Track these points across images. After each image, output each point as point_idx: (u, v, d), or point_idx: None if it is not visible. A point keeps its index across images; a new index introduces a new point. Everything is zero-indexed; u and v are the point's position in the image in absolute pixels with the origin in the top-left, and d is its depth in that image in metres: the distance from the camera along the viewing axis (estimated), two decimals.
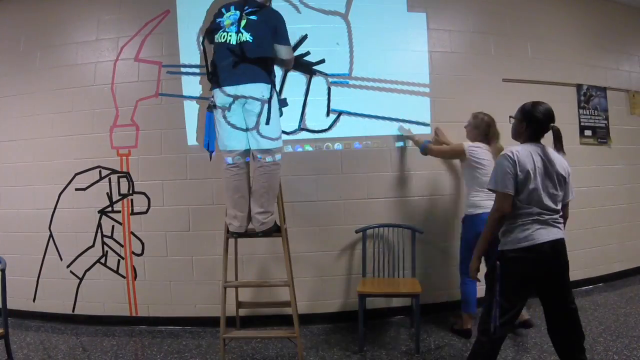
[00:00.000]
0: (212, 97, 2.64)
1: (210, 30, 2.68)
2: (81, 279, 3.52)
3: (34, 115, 3.58)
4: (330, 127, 3.41)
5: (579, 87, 4.01)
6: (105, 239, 3.49)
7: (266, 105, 2.57)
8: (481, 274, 2.15)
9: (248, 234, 2.74)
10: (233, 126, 2.62)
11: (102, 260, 3.50)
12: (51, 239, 3.56)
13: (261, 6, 2.62)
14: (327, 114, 3.41)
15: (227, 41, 2.55)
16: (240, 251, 3.17)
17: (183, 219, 3.40)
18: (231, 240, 2.88)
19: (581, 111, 4.02)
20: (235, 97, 2.55)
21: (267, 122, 2.58)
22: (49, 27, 3.59)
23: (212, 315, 3.22)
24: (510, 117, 2.24)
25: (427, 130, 3.49)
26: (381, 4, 3.46)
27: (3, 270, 2.40)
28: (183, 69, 3.40)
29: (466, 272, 2.69)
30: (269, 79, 2.58)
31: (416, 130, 3.46)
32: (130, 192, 3.45)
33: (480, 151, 2.98)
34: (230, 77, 2.56)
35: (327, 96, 3.41)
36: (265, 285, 3.19)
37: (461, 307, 3.07)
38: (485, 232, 2.05)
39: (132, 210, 3.45)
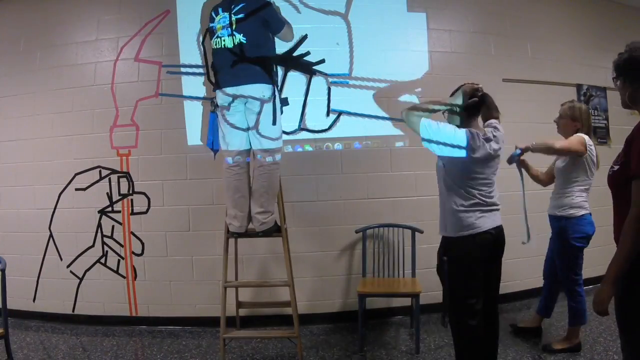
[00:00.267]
0: (215, 98, 2.66)
1: (210, 34, 2.69)
2: (81, 279, 3.52)
3: (34, 115, 3.58)
4: (330, 127, 3.41)
5: (579, 87, 4.01)
6: (105, 239, 3.49)
7: (266, 105, 2.58)
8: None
9: (248, 234, 2.74)
10: (233, 126, 2.62)
11: (102, 260, 3.50)
12: (51, 239, 3.56)
13: (253, 4, 2.57)
14: (327, 114, 3.41)
15: (223, 46, 2.56)
16: (240, 251, 3.17)
17: (183, 219, 3.40)
18: (231, 240, 2.88)
19: None
20: (235, 97, 2.56)
21: (274, 123, 2.59)
22: (49, 27, 3.59)
23: (212, 315, 3.22)
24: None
25: None
26: (381, 4, 3.46)
27: (3, 270, 2.41)
28: (183, 69, 3.40)
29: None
30: (270, 79, 2.59)
31: None
32: (130, 192, 3.45)
33: (593, 147, 2.71)
34: (230, 79, 2.56)
35: (327, 96, 3.41)
36: (265, 285, 3.19)
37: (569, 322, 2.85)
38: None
39: (132, 210, 3.45)
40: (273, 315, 3.29)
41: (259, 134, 2.60)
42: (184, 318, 3.42)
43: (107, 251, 3.49)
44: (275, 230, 2.74)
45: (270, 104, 2.60)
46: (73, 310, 3.53)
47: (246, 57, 2.54)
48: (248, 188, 2.70)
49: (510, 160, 2.49)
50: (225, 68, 2.58)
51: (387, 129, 3.45)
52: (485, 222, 1.99)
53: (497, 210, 2.08)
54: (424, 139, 1.97)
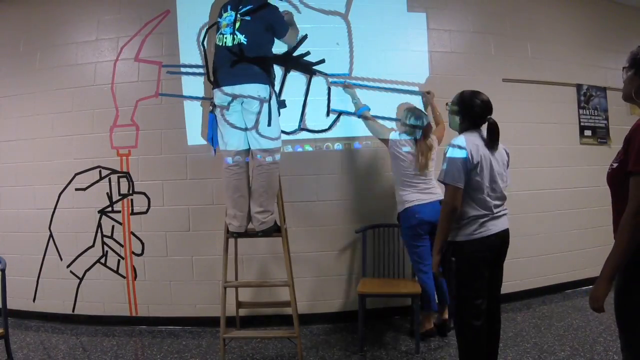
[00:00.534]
0: (213, 97, 2.66)
1: (216, 29, 2.71)
2: (81, 279, 3.52)
3: (34, 115, 3.58)
4: (330, 127, 3.41)
5: (579, 87, 4.01)
6: (105, 239, 3.49)
7: (266, 106, 2.58)
8: None
9: (248, 233, 2.74)
10: (232, 125, 2.62)
11: (102, 260, 3.50)
12: (51, 239, 3.56)
13: (256, 4, 2.61)
14: (327, 114, 3.41)
15: (224, 44, 2.57)
16: (240, 251, 3.16)
17: (183, 219, 3.40)
18: (231, 240, 2.88)
19: (581, 111, 4.02)
20: (234, 97, 2.56)
21: (269, 124, 2.59)
22: (49, 28, 3.59)
23: (212, 315, 3.22)
24: (446, 103, 2.20)
25: None
26: (381, 4, 3.46)
27: (3, 270, 2.41)
28: (183, 69, 3.40)
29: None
30: (267, 80, 2.59)
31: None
32: (130, 192, 3.45)
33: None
34: (228, 77, 2.57)
35: (327, 96, 3.41)
36: (265, 285, 3.19)
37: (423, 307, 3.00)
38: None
39: (132, 210, 3.45)
40: (273, 315, 3.29)
41: (259, 133, 2.60)
42: (184, 318, 3.42)
43: (107, 251, 3.49)
44: (275, 230, 2.74)
45: (270, 104, 2.61)
46: (73, 310, 3.53)
47: (245, 57, 2.54)
48: (248, 188, 2.70)
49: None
50: (224, 67, 2.59)
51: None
52: (494, 225, 2.02)
53: (505, 215, 2.10)
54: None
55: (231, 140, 2.65)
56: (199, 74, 3.39)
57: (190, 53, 3.38)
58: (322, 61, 3.37)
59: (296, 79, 3.37)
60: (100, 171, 3.48)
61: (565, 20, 4.02)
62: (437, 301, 3.02)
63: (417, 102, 3.47)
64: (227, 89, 2.56)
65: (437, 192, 2.92)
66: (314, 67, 3.37)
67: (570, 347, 2.80)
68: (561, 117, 3.92)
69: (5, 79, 3.66)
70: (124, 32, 3.48)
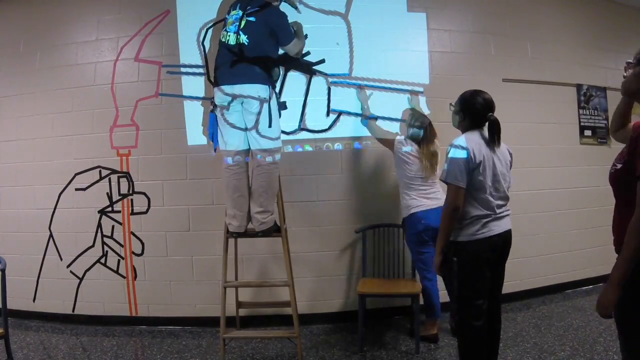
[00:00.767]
0: (213, 97, 2.67)
1: (223, 25, 2.72)
2: (81, 279, 3.52)
3: (34, 115, 3.58)
4: (330, 127, 3.41)
5: (579, 87, 4.01)
6: (105, 239, 3.49)
7: (266, 106, 2.57)
8: None
9: (248, 233, 2.74)
10: (232, 125, 2.62)
11: (102, 260, 3.50)
12: (51, 239, 3.56)
13: (264, 6, 2.61)
14: (327, 114, 3.41)
15: (227, 41, 2.57)
16: (240, 251, 3.16)
17: (183, 219, 3.40)
18: (231, 240, 2.88)
19: (581, 111, 4.02)
20: (234, 97, 2.56)
21: (270, 125, 2.59)
22: (49, 27, 3.59)
23: (212, 315, 3.22)
24: (450, 104, 2.21)
25: None
26: (381, 4, 3.46)
27: (3, 270, 2.41)
28: (183, 69, 3.40)
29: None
30: (267, 80, 2.59)
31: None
32: (130, 192, 3.45)
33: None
34: (228, 77, 2.57)
35: (327, 96, 3.41)
36: (265, 285, 3.19)
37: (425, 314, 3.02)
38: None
39: (132, 210, 3.45)
40: (273, 315, 3.29)
41: (258, 134, 2.60)
42: (184, 318, 3.42)
43: (107, 251, 3.49)
44: (275, 230, 2.74)
45: (270, 104, 2.61)
46: (73, 310, 3.53)
47: (245, 57, 2.54)
48: (247, 188, 2.70)
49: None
50: (225, 66, 2.59)
51: (387, 128, 3.44)
52: (496, 226, 2.02)
53: (508, 215, 2.10)
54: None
55: (231, 140, 2.65)
56: (199, 74, 3.39)
57: (190, 53, 3.39)
58: (322, 61, 3.37)
59: (296, 79, 3.37)
60: (100, 171, 3.48)
61: (566, 20, 4.02)
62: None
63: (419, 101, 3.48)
64: (227, 88, 2.56)
65: (442, 197, 2.89)
66: (314, 67, 3.37)
67: (570, 347, 2.80)
68: (561, 117, 3.92)
69: (5, 79, 3.66)
70: (124, 32, 3.48)
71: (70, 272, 3.53)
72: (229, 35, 2.57)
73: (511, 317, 3.34)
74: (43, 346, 3.12)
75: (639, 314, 1.39)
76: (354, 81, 3.42)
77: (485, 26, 3.71)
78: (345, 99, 3.40)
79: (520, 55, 3.78)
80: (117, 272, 3.48)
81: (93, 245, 3.50)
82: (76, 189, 3.50)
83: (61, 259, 3.54)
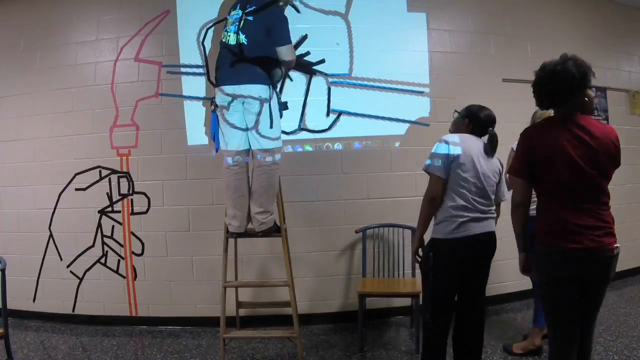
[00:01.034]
0: (214, 97, 2.67)
1: (223, 26, 2.72)
2: (81, 279, 3.52)
3: (34, 115, 3.58)
4: (330, 127, 3.41)
5: None
6: (105, 239, 3.49)
7: (266, 106, 2.57)
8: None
9: (248, 234, 2.74)
10: (232, 125, 2.62)
11: (102, 260, 3.50)
12: (51, 239, 3.56)
13: (263, 5, 2.60)
14: (327, 114, 3.41)
15: (227, 41, 2.57)
16: (240, 251, 3.17)
17: (183, 219, 3.40)
18: (231, 240, 2.88)
19: None
20: (234, 97, 2.56)
21: (271, 126, 2.59)
22: (49, 27, 3.59)
23: (212, 315, 3.21)
24: (455, 110, 2.31)
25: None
26: (381, 4, 3.46)
27: (3, 270, 2.41)
28: (183, 69, 3.40)
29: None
30: (268, 80, 2.58)
31: (416, 130, 3.46)
32: (130, 192, 3.45)
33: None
34: (228, 77, 2.57)
35: (327, 96, 3.41)
36: (265, 285, 3.19)
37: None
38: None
39: (132, 210, 3.45)
40: (273, 315, 3.29)
41: (259, 134, 2.60)
42: (184, 318, 3.42)
43: (107, 251, 3.49)
44: (275, 231, 2.74)
45: (270, 104, 2.60)
46: (73, 310, 3.53)
47: (246, 57, 2.54)
48: (248, 188, 2.70)
49: None
50: (225, 66, 2.59)
51: (387, 129, 3.45)
52: (476, 227, 2.04)
53: (491, 218, 2.13)
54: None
55: (232, 140, 2.64)
56: (199, 74, 3.39)
57: (190, 53, 3.39)
58: (322, 61, 3.37)
59: (296, 79, 3.37)
60: (100, 171, 3.48)
61: (566, 20, 4.01)
62: None
63: (419, 101, 3.48)
64: (228, 88, 2.56)
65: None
66: (314, 67, 3.37)
67: None
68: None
69: (5, 79, 3.66)
70: (124, 32, 3.48)
71: (70, 272, 3.53)
72: (229, 36, 2.58)
73: (511, 317, 3.34)
74: (43, 346, 3.12)
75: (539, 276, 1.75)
76: (354, 81, 3.42)
77: (485, 26, 3.71)
78: (345, 99, 3.41)
79: (520, 55, 3.78)
80: (117, 272, 3.48)
81: (93, 245, 3.50)
82: (76, 189, 3.50)
83: (61, 259, 3.54)
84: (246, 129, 2.63)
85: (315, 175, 3.41)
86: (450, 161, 2.03)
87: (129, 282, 3.46)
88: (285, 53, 2.60)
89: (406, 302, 3.25)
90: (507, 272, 3.41)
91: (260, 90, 2.55)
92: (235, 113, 2.61)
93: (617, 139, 1.80)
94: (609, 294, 3.83)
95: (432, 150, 2.09)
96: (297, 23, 3.28)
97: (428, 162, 2.08)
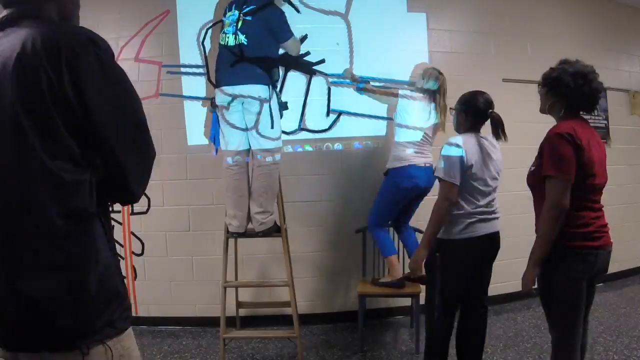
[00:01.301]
0: (214, 97, 2.67)
1: (220, 28, 2.73)
2: None
3: None
4: (330, 127, 3.41)
5: None
6: None
7: (266, 106, 2.58)
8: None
9: (248, 234, 2.74)
10: (232, 125, 2.63)
11: None
12: None
13: (260, 4, 2.60)
14: (327, 114, 3.41)
15: (226, 43, 2.57)
16: (240, 251, 3.17)
17: (183, 219, 3.40)
18: (231, 240, 2.88)
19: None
20: (234, 97, 2.56)
21: (272, 126, 2.59)
22: None
23: (212, 315, 3.21)
24: (450, 108, 2.33)
25: None
26: (381, 4, 3.46)
27: None
28: (183, 69, 3.40)
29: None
30: (268, 80, 2.59)
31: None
32: None
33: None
34: (228, 77, 2.57)
35: (327, 96, 3.41)
36: (265, 285, 3.19)
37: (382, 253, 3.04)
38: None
39: (132, 210, 3.45)
40: (273, 315, 3.29)
41: (259, 134, 2.60)
42: (184, 318, 3.42)
43: None
44: (275, 231, 2.74)
45: (270, 104, 2.61)
46: None
47: (246, 57, 2.54)
48: (248, 188, 2.70)
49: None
50: (225, 66, 2.59)
51: (387, 129, 3.45)
52: (482, 228, 2.07)
53: (496, 218, 2.15)
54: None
55: (232, 140, 2.65)
56: (199, 74, 3.39)
57: (190, 53, 3.39)
58: (322, 61, 3.37)
59: (296, 79, 3.37)
60: None
61: (566, 20, 4.01)
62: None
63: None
64: (228, 88, 2.56)
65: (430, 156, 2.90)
66: (314, 67, 3.37)
67: None
68: None
69: None
70: (124, 32, 3.47)
71: None
72: (228, 37, 2.58)
73: (511, 317, 3.34)
74: None
75: (553, 288, 1.73)
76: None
77: (485, 26, 3.71)
78: (345, 99, 3.41)
79: (520, 55, 3.78)
80: None
81: None
82: None
83: None
84: (246, 129, 2.63)
85: (315, 175, 3.41)
86: (463, 166, 2.03)
87: (129, 282, 3.46)
88: (291, 47, 2.73)
89: (406, 302, 3.25)
90: (507, 272, 3.40)
91: (260, 90, 2.55)
92: (236, 113, 2.61)
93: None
94: (609, 294, 3.86)
95: (445, 154, 2.06)
96: (297, 23, 3.27)
97: (442, 167, 2.05)
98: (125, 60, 3.46)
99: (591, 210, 1.73)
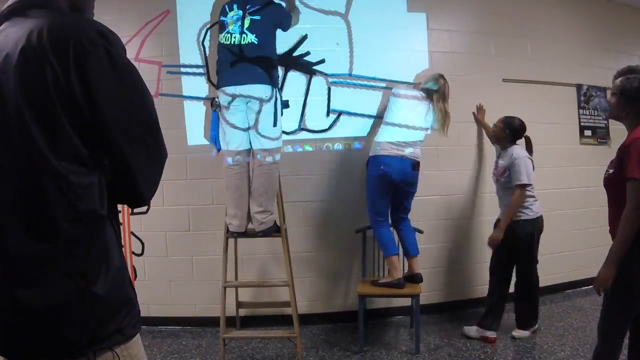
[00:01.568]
0: (217, 97, 2.67)
1: (220, 27, 2.72)
2: None
3: None
4: (330, 127, 3.41)
5: (579, 87, 4.01)
6: None
7: (266, 105, 2.58)
8: None
9: (248, 233, 2.75)
10: (232, 125, 2.63)
11: None
12: None
13: (264, 2, 2.61)
14: (327, 114, 3.41)
15: (232, 42, 2.57)
16: (240, 251, 3.16)
17: (183, 219, 3.40)
18: (231, 240, 2.88)
19: (581, 111, 4.02)
20: (234, 96, 2.56)
21: (275, 124, 2.60)
22: None
23: (212, 315, 3.21)
24: (494, 124, 3.06)
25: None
26: (381, 4, 3.46)
27: None
28: (183, 69, 3.40)
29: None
30: (271, 80, 2.59)
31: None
32: None
33: None
34: (231, 78, 2.57)
35: (327, 96, 3.41)
36: (265, 285, 3.19)
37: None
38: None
39: (132, 210, 3.45)
40: (273, 315, 3.29)
41: (259, 133, 2.60)
42: (184, 318, 3.42)
43: None
44: (275, 231, 2.74)
45: (270, 104, 2.61)
46: None
47: (247, 57, 2.54)
48: (248, 187, 2.70)
49: None
50: (226, 67, 2.59)
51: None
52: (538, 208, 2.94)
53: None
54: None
55: (233, 140, 2.65)
56: (199, 74, 3.39)
57: (190, 53, 3.38)
58: (322, 61, 3.37)
59: (296, 79, 3.37)
60: None
61: (566, 20, 4.01)
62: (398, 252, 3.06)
63: None
64: (230, 89, 2.57)
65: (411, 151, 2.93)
66: (314, 67, 3.37)
67: (570, 347, 2.80)
68: (561, 117, 3.92)
69: None
70: (124, 32, 3.46)
71: None
72: (235, 37, 2.57)
73: (511, 317, 3.33)
74: None
75: (621, 287, 1.82)
76: (354, 81, 3.42)
77: (485, 26, 3.70)
78: (345, 99, 3.41)
79: (520, 55, 3.78)
80: None
81: None
82: None
83: None
84: (247, 129, 2.64)
85: (315, 175, 3.41)
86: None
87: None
88: (293, 23, 2.92)
89: (406, 302, 3.25)
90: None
91: (264, 90, 2.55)
92: (238, 113, 2.61)
93: None
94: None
95: (524, 168, 2.84)
96: (297, 23, 3.28)
97: (525, 178, 2.82)
98: None
99: None
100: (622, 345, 2.01)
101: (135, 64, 3.61)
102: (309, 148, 3.43)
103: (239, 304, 3.14)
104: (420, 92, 3.02)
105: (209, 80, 3.35)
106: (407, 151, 2.89)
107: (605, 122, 4.11)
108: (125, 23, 3.47)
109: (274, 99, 2.62)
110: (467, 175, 3.62)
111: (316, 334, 3.22)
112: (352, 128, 3.43)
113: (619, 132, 4.16)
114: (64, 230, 0.82)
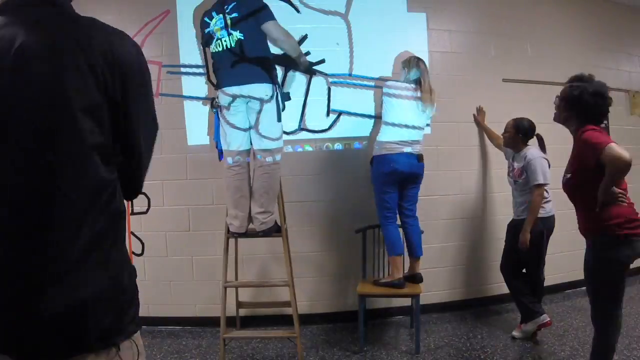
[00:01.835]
0: (217, 97, 2.67)
1: (205, 42, 2.70)
2: None
3: None
4: (330, 127, 3.41)
5: None
6: None
7: (266, 105, 2.58)
8: None
9: (248, 234, 2.74)
10: (232, 126, 2.63)
11: None
12: None
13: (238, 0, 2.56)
14: (327, 114, 3.41)
15: (226, 47, 2.55)
16: (240, 251, 3.16)
17: (183, 219, 3.40)
18: (231, 240, 2.88)
19: None
20: (234, 97, 2.56)
21: (279, 119, 2.60)
22: None
23: (212, 315, 3.21)
24: (504, 131, 3.09)
25: (426, 131, 3.48)
26: (381, 4, 3.46)
27: None
28: (183, 69, 3.40)
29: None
30: (270, 79, 2.59)
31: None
32: None
33: None
34: (231, 79, 2.57)
35: (327, 96, 3.41)
36: (265, 285, 3.19)
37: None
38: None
39: (132, 210, 3.45)
40: (273, 315, 3.29)
41: (259, 134, 2.60)
42: (184, 318, 3.42)
43: None
44: (276, 231, 2.74)
45: (271, 104, 2.61)
46: None
47: (246, 57, 2.54)
48: (249, 188, 2.70)
49: None
50: (225, 68, 2.59)
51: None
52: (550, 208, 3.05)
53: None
54: None
55: (233, 141, 2.65)
56: (199, 74, 3.39)
57: (190, 53, 3.39)
58: (322, 61, 3.37)
59: (296, 79, 3.37)
60: None
61: (565, 20, 4.02)
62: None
63: None
64: (231, 89, 2.56)
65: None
66: (314, 67, 3.37)
67: (570, 347, 2.80)
68: None
69: None
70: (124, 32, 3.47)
71: None
72: (225, 41, 2.55)
73: (511, 317, 3.34)
74: None
75: (603, 273, 2.03)
76: (354, 81, 3.42)
77: (485, 26, 3.71)
78: (345, 99, 3.41)
79: (520, 55, 3.78)
80: None
81: None
82: None
83: None
84: (248, 129, 2.64)
85: (315, 175, 3.41)
86: None
87: None
88: (271, 29, 2.53)
89: (406, 302, 3.25)
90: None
91: (265, 89, 2.55)
92: (239, 113, 2.61)
93: None
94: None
95: (540, 168, 2.87)
96: (297, 23, 3.28)
97: (541, 178, 2.86)
98: None
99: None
100: (616, 332, 2.16)
101: None
102: (309, 148, 3.43)
103: (239, 304, 3.14)
104: (409, 84, 2.99)
105: (208, 80, 3.35)
106: (410, 148, 2.94)
107: (605, 122, 4.11)
108: (125, 23, 3.45)
109: (274, 97, 2.61)
110: (467, 176, 3.63)
111: (316, 334, 3.22)
112: (352, 128, 3.43)
113: (618, 132, 4.17)
114: (97, 223, 0.87)
